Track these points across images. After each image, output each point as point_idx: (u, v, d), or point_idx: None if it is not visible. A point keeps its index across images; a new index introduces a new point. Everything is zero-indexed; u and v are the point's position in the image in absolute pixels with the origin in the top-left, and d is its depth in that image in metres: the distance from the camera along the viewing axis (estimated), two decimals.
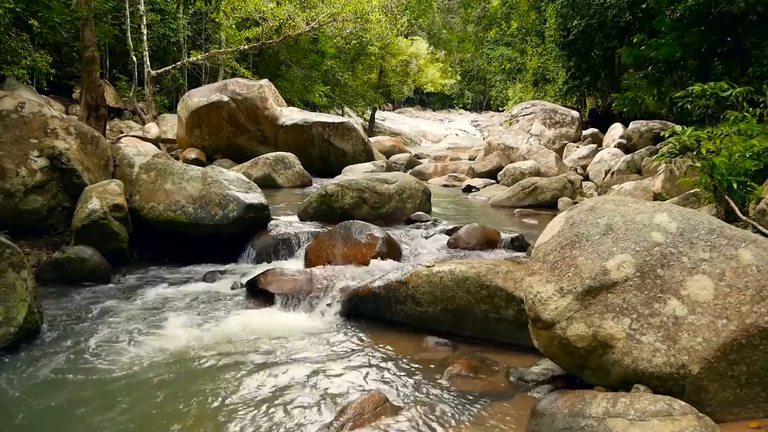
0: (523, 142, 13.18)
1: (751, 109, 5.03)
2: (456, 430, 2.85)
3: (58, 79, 14.95)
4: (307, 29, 20.29)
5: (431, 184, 11.26)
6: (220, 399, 3.14)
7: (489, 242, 5.92)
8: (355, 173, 10.74)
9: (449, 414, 3.00)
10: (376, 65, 29.38)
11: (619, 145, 11.85)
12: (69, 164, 5.89)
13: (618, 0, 13.31)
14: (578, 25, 15.00)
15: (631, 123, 12.01)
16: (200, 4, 17.39)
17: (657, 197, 6.79)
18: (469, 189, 11.35)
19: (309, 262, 5.56)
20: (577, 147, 13.36)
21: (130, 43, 16.72)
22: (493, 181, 11.84)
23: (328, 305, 4.56)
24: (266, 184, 10.19)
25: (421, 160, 16.04)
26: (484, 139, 17.68)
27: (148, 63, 17.18)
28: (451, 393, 3.23)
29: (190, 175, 6.04)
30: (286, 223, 6.73)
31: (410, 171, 13.08)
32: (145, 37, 17.03)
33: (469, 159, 15.98)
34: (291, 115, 13.69)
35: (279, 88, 15.72)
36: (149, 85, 17.28)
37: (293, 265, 5.56)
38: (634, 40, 11.71)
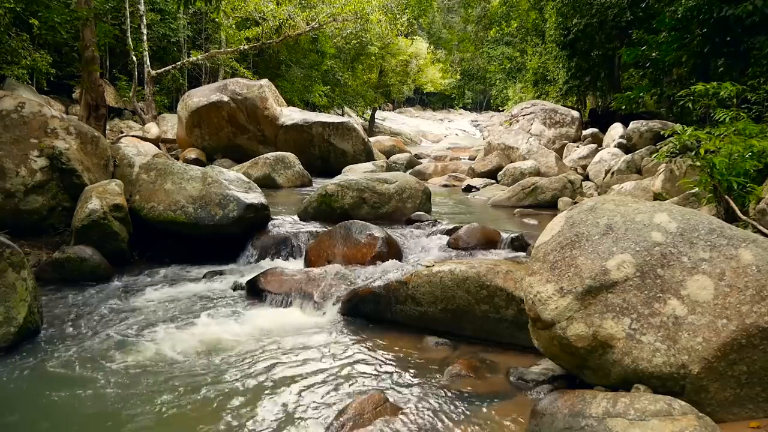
0: (523, 142, 13.17)
1: (745, 107, 5.04)
2: (456, 430, 2.85)
3: (58, 79, 14.96)
4: (307, 29, 20.29)
5: (431, 184, 11.25)
6: (219, 398, 3.14)
7: (489, 242, 5.92)
8: (355, 173, 10.74)
9: (449, 414, 3.00)
10: (376, 65, 29.38)
11: (619, 145, 11.84)
12: (69, 164, 5.89)
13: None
14: (578, 24, 14.99)
15: (631, 123, 12.00)
16: (200, 4, 17.37)
17: (657, 197, 6.79)
18: (469, 189, 11.35)
19: (309, 262, 5.57)
20: (577, 147, 13.35)
21: (130, 43, 16.73)
22: (493, 181, 11.83)
23: (329, 305, 4.56)
24: (266, 184, 10.19)
25: (421, 160, 16.03)
26: (484, 139, 17.66)
27: (148, 63, 17.19)
28: (451, 393, 3.23)
29: (190, 175, 6.04)
30: (286, 223, 6.74)
31: (410, 171, 13.07)
32: (145, 37, 17.04)
33: (469, 159, 15.97)
34: (291, 115, 13.69)
35: (279, 88, 15.72)
36: (149, 85, 17.29)
37: (293, 265, 5.57)
38: (633, 36, 11.69)
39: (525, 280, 3.09)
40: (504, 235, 6.05)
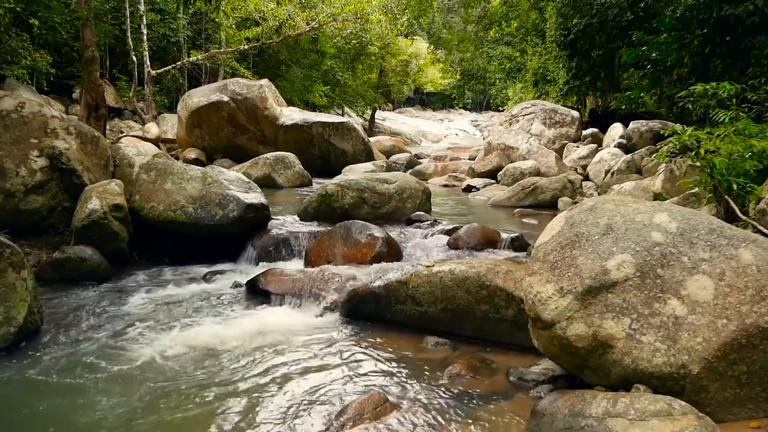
0: (523, 142, 13.17)
1: (745, 107, 5.04)
2: (456, 429, 2.85)
3: (58, 79, 14.95)
4: (307, 29, 20.29)
5: (431, 184, 11.26)
6: (219, 398, 3.15)
7: (489, 242, 5.92)
8: (355, 173, 10.74)
9: (449, 414, 3.00)
10: (376, 65, 29.39)
11: (619, 145, 11.84)
12: (69, 164, 5.89)
13: None
14: (578, 24, 15.00)
15: (631, 123, 12.00)
16: (200, 4, 17.40)
17: (657, 197, 6.79)
18: (469, 189, 11.35)
19: (309, 262, 5.57)
20: (577, 147, 13.36)
21: (130, 43, 16.73)
22: (493, 181, 11.83)
23: (329, 305, 4.56)
24: (266, 184, 10.19)
25: (421, 160, 16.03)
26: (484, 139, 17.67)
27: (148, 63, 17.19)
28: (451, 393, 3.23)
29: (190, 175, 6.04)
30: (286, 223, 6.74)
31: (410, 171, 13.07)
32: (145, 37, 17.04)
33: (469, 159, 15.97)
34: (291, 115, 13.69)
35: (279, 88, 15.72)
36: (149, 85, 17.29)
37: (293, 265, 5.57)
38: (634, 38, 11.70)
39: (525, 280, 3.09)
40: (504, 235, 6.05)
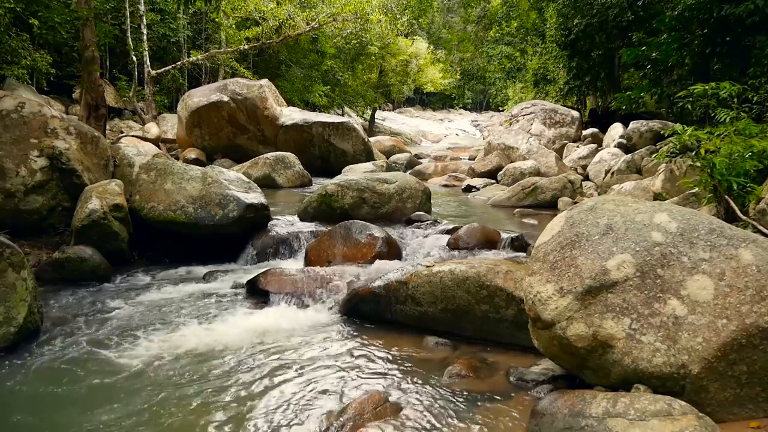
0: (523, 142, 13.17)
1: (746, 106, 5.04)
2: (456, 429, 2.85)
3: (58, 79, 14.96)
4: (307, 29, 20.29)
5: (431, 184, 11.25)
6: (219, 398, 3.15)
7: (489, 242, 5.92)
8: (355, 173, 10.74)
9: (449, 414, 3.00)
10: (376, 65, 29.40)
11: (619, 145, 11.84)
12: (69, 164, 5.89)
13: None
14: (579, 24, 15.01)
15: (631, 123, 12.01)
16: (200, 4, 17.39)
17: (657, 197, 6.79)
18: (469, 189, 11.35)
19: (309, 262, 5.57)
20: (577, 147, 13.36)
21: (130, 43, 16.73)
22: (493, 181, 11.83)
23: (329, 305, 4.57)
24: (266, 184, 10.19)
25: (421, 160, 16.03)
26: (484, 139, 17.67)
27: (148, 63, 17.19)
28: (451, 393, 3.23)
29: (190, 175, 6.04)
30: (286, 223, 6.74)
31: (410, 171, 13.07)
32: (145, 37, 17.04)
33: (469, 159, 15.97)
34: (291, 115, 13.69)
35: (279, 88, 15.72)
36: (149, 85, 17.29)
37: (293, 265, 5.57)
38: (634, 38, 11.71)
39: (525, 280, 3.09)
40: (504, 235, 6.05)
